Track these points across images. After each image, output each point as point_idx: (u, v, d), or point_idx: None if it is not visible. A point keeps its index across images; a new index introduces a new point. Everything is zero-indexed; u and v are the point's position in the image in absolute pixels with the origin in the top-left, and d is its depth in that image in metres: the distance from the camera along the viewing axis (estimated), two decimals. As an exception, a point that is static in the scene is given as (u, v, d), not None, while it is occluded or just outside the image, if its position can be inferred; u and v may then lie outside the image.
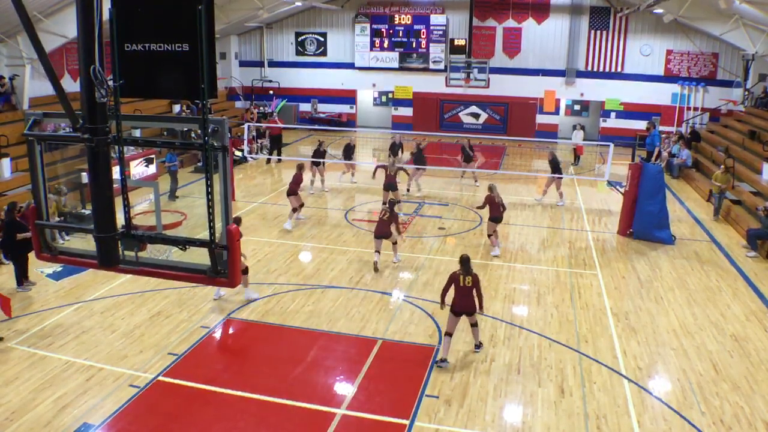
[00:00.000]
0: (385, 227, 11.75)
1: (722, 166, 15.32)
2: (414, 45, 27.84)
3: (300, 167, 14.44)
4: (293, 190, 14.09)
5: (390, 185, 15.24)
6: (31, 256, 10.60)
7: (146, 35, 3.58)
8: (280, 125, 23.44)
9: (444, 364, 8.26)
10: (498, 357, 8.62)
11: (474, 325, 8.54)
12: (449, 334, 8.30)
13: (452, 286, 8.25)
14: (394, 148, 19.16)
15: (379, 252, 11.71)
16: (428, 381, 7.97)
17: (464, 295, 8.14)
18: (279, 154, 22.27)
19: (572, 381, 8.05)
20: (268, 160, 21.90)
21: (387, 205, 12.12)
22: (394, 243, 12.09)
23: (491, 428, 7.08)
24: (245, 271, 10.09)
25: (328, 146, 17.59)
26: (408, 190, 17.47)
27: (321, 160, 17.49)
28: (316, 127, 27.53)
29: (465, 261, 8.20)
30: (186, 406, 7.40)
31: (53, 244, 4.47)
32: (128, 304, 10.03)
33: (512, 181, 19.60)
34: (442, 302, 8.47)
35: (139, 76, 3.69)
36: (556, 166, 16.36)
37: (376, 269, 11.58)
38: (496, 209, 12.43)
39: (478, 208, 13.17)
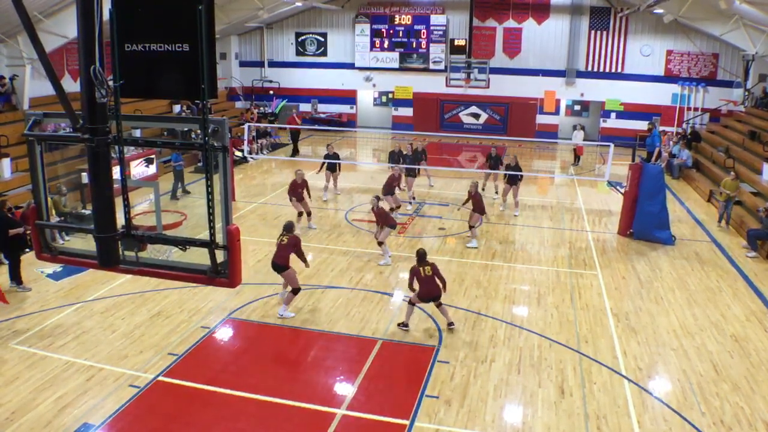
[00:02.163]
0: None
1: (732, 173, 15.24)
2: (414, 45, 27.84)
3: (300, 176, 13.77)
4: (297, 196, 13.72)
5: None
6: (26, 258, 10.60)
7: (146, 35, 3.58)
8: (299, 123, 24.50)
9: (405, 328, 9.21)
10: (498, 357, 8.62)
11: (439, 305, 9.20)
12: (413, 304, 9.21)
13: (415, 278, 9.06)
14: (394, 157, 18.24)
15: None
16: (428, 381, 7.97)
17: (427, 283, 8.94)
18: (294, 151, 23.17)
19: (572, 381, 8.05)
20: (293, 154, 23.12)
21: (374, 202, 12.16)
22: (380, 243, 12.09)
23: (491, 428, 7.08)
24: (296, 291, 9.66)
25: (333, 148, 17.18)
26: (413, 199, 16.93)
27: (335, 162, 16.87)
28: (317, 127, 27.53)
29: (421, 255, 9.07)
30: (186, 406, 7.40)
31: (53, 244, 4.48)
32: (128, 305, 10.03)
33: (512, 182, 19.59)
34: (411, 290, 9.26)
35: (139, 76, 3.69)
36: (495, 167, 16.27)
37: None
38: (481, 203, 12.92)
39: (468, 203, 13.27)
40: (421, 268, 8.93)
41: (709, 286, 11.38)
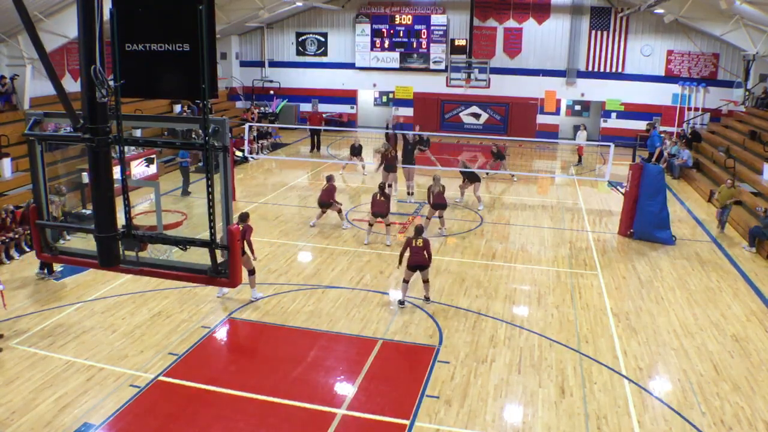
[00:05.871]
0: (382, 207, 12.89)
1: (728, 181, 15.15)
2: (414, 45, 27.82)
3: (329, 179, 14.15)
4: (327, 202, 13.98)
5: (389, 167, 16.30)
6: (27, 257, 10.62)
7: (147, 35, 3.58)
8: (322, 121, 25.77)
9: (401, 306, 10.09)
10: (498, 357, 8.62)
11: (425, 281, 10.20)
12: (406, 281, 10.07)
13: (408, 248, 10.05)
14: (354, 150, 19.62)
15: (371, 225, 13.18)
16: (428, 381, 7.97)
17: (416, 253, 9.94)
18: (318, 146, 24.39)
19: (573, 381, 8.05)
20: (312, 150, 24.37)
21: (379, 189, 13.18)
22: (388, 225, 13.15)
23: (492, 428, 7.08)
24: (252, 272, 10.10)
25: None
26: (409, 193, 17.30)
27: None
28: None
29: (418, 230, 10.19)
30: (186, 406, 7.40)
31: (54, 243, 4.48)
32: (129, 304, 10.03)
33: (513, 181, 19.61)
34: (400, 262, 10.19)
35: (139, 76, 3.69)
36: (472, 174, 16.24)
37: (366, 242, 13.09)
38: (437, 197, 13.61)
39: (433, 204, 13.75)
40: (414, 240, 9.99)
41: (710, 286, 11.37)
